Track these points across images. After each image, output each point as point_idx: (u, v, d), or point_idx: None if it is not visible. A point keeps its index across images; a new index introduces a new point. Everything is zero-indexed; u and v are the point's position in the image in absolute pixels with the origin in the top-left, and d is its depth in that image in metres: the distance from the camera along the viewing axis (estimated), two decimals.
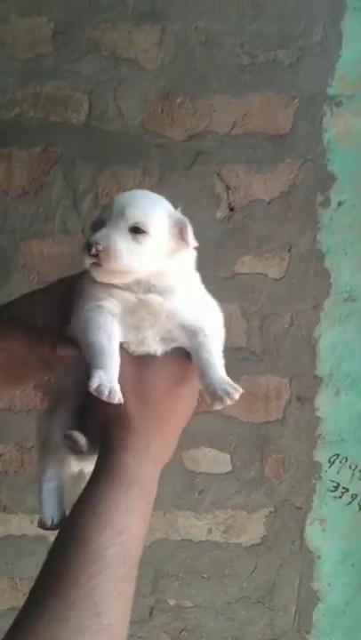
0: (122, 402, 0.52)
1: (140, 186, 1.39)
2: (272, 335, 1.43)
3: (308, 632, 1.49)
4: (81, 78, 1.37)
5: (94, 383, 0.51)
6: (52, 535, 0.54)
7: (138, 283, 0.56)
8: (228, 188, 1.40)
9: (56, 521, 0.62)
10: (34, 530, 1.39)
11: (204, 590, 1.48)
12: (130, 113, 1.38)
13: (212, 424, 1.43)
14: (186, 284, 0.58)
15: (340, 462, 1.45)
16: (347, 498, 1.46)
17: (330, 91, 1.38)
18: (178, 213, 0.60)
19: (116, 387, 0.52)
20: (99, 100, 1.37)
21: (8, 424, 1.41)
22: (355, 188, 1.40)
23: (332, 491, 1.46)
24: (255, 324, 1.43)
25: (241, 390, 0.54)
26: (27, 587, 1.35)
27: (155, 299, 0.56)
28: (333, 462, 1.45)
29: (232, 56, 1.37)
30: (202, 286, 0.63)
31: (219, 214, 1.40)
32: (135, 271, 0.55)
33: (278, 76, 1.38)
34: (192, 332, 0.56)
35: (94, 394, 0.51)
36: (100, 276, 0.55)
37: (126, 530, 0.51)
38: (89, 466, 0.58)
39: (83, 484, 0.55)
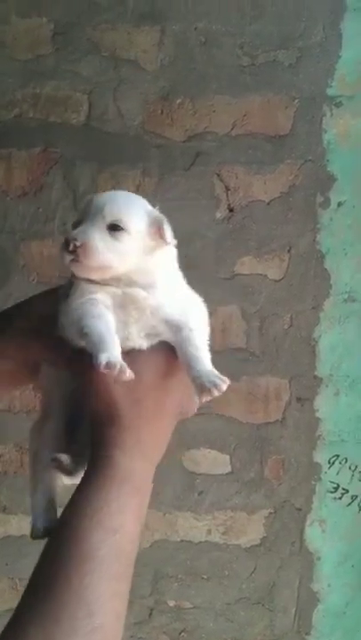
0: (132, 377, 0.51)
1: (140, 186, 1.39)
2: (272, 336, 1.43)
3: (307, 633, 1.49)
4: (81, 79, 1.37)
5: (103, 360, 0.50)
6: None
7: (117, 279, 0.57)
8: (227, 188, 1.40)
9: (48, 528, 0.61)
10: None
11: (204, 591, 1.48)
12: (130, 113, 1.38)
13: (211, 425, 1.43)
14: (167, 281, 0.59)
15: (340, 463, 1.45)
16: (347, 499, 1.46)
17: (330, 91, 1.39)
18: (156, 212, 0.61)
19: (125, 364, 0.51)
20: (98, 101, 1.37)
21: (8, 425, 1.41)
22: (354, 188, 1.40)
23: (331, 492, 1.46)
24: (255, 325, 1.42)
25: (228, 381, 0.54)
26: None
27: (139, 292, 0.57)
28: (333, 463, 1.45)
29: (232, 57, 1.37)
30: (184, 283, 0.64)
31: (218, 215, 1.40)
32: (113, 267, 0.56)
33: (278, 77, 1.38)
34: (176, 327, 0.57)
35: (104, 371, 0.50)
36: (78, 272, 0.56)
37: (119, 529, 0.51)
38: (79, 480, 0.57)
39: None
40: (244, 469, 1.45)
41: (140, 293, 0.57)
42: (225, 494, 1.46)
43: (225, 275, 1.41)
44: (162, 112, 1.38)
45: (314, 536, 1.47)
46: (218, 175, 1.39)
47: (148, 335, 0.57)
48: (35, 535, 0.61)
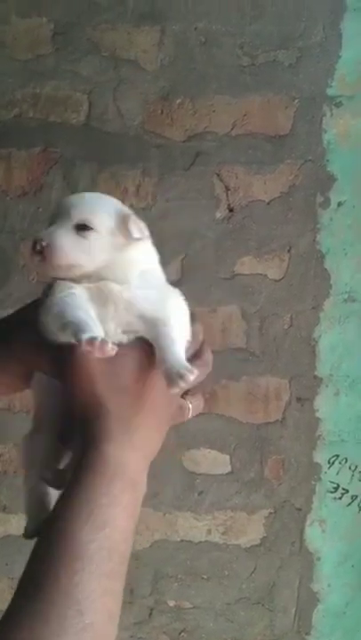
0: (115, 350, 0.51)
1: (139, 186, 1.39)
2: (272, 336, 1.43)
3: (307, 633, 1.49)
4: (81, 79, 1.37)
5: (84, 338, 0.50)
6: None
7: (87, 277, 0.57)
8: (227, 188, 1.40)
9: (40, 528, 0.61)
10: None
11: (204, 591, 1.48)
12: (129, 113, 1.38)
13: (211, 425, 1.43)
14: (142, 276, 0.59)
15: (340, 463, 1.45)
16: (347, 499, 1.46)
17: (330, 91, 1.39)
18: (125, 209, 0.61)
19: (106, 339, 0.51)
20: (98, 101, 1.37)
21: (7, 424, 1.41)
22: (354, 188, 1.40)
23: (331, 492, 1.46)
24: (255, 325, 1.42)
25: (196, 372, 0.53)
26: None
27: (113, 286, 0.57)
28: (333, 463, 1.45)
29: (232, 57, 1.37)
30: (163, 278, 0.63)
31: (218, 215, 1.40)
32: (81, 265, 0.57)
33: (278, 77, 1.38)
34: (152, 323, 0.57)
35: (87, 347, 0.50)
36: (46, 272, 0.57)
37: (110, 522, 0.49)
38: None
39: None
40: (244, 469, 1.45)
41: (115, 287, 0.57)
42: (225, 494, 1.46)
43: (225, 275, 1.41)
44: (162, 112, 1.38)
45: (314, 536, 1.47)
46: (218, 175, 1.39)
47: (125, 332, 0.57)
48: (27, 535, 0.60)
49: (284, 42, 1.37)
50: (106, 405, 0.53)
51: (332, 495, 1.46)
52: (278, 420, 1.44)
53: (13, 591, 0.47)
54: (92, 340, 0.50)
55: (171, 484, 1.44)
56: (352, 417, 1.45)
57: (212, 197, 1.40)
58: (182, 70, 1.37)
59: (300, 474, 1.45)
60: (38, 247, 0.56)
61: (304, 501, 1.46)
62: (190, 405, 0.59)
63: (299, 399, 1.44)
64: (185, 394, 0.60)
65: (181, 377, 0.52)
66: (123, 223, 0.58)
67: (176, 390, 0.53)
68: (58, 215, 0.58)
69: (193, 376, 0.52)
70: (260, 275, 1.41)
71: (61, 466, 0.60)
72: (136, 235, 0.58)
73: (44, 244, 0.56)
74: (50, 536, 0.49)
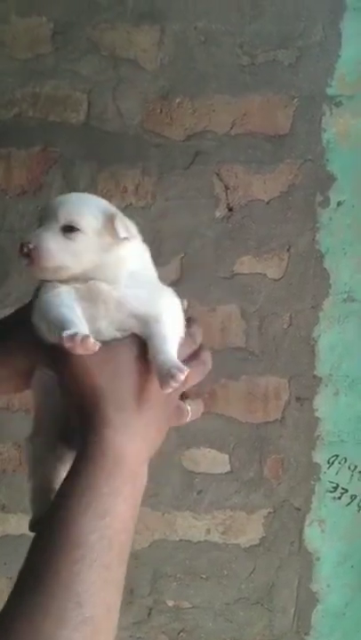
0: (98, 345, 0.51)
1: (139, 185, 1.39)
2: (271, 335, 1.43)
3: (306, 633, 1.48)
4: (80, 78, 1.37)
5: (65, 334, 0.51)
6: None
7: (75, 278, 0.58)
8: (227, 187, 1.40)
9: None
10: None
11: (203, 591, 1.48)
12: (129, 113, 1.38)
13: (210, 424, 1.43)
14: (132, 275, 0.59)
15: (340, 463, 1.45)
16: (346, 499, 1.46)
17: (329, 91, 1.39)
18: (112, 209, 0.61)
19: (88, 334, 0.51)
20: (98, 100, 1.37)
21: (6, 423, 1.41)
22: (354, 188, 1.40)
23: (331, 492, 1.46)
24: (254, 325, 1.42)
25: (186, 371, 0.53)
26: None
27: (103, 285, 0.57)
28: (333, 463, 1.45)
29: (231, 56, 1.37)
30: (155, 277, 0.63)
31: (218, 214, 1.40)
32: (68, 267, 0.57)
33: (278, 76, 1.38)
34: (144, 321, 0.57)
35: (68, 344, 0.50)
36: (35, 274, 0.58)
37: (111, 512, 0.49)
38: None
39: None
40: (244, 469, 1.45)
41: (104, 286, 0.57)
42: (224, 494, 1.45)
43: (224, 274, 1.41)
44: (161, 111, 1.38)
45: (313, 536, 1.47)
46: (217, 174, 1.39)
47: (119, 330, 0.57)
48: (31, 528, 0.60)
49: (284, 41, 1.37)
50: (103, 395, 0.53)
51: (332, 495, 1.46)
52: (278, 419, 1.44)
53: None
54: (72, 336, 0.51)
55: (170, 483, 1.44)
56: (351, 417, 1.44)
57: (212, 197, 1.40)
58: (182, 70, 1.37)
59: (299, 473, 1.45)
60: (25, 249, 0.56)
61: (303, 501, 1.46)
62: (189, 408, 0.59)
63: (298, 399, 1.44)
64: (183, 396, 0.61)
65: (172, 376, 0.52)
66: (109, 223, 0.58)
67: (168, 390, 0.52)
68: (45, 217, 0.59)
69: (183, 375, 0.52)
70: (260, 274, 1.41)
71: (65, 467, 0.60)
72: (123, 234, 0.58)
73: (30, 246, 0.56)
74: (50, 526, 0.49)
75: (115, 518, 0.49)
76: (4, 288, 1.39)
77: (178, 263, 1.40)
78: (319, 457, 1.45)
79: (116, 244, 0.59)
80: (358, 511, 1.46)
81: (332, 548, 1.47)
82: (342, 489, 1.45)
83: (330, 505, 1.46)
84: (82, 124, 1.38)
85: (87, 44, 1.36)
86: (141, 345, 0.56)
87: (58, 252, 0.56)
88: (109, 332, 0.57)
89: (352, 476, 1.45)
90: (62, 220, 0.57)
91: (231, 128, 1.39)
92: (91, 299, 0.57)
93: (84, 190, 1.36)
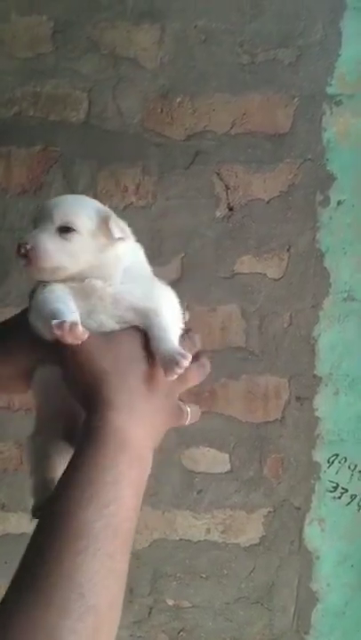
0: (87, 334, 0.52)
1: (139, 185, 1.39)
2: (271, 335, 1.43)
3: (306, 633, 1.48)
4: (80, 77, 1.37)
5: (54, 322, 0.52)
6: None
7: (72, 278, 0.59)
8: (227, 187, 1.40)
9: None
10: (33, 529, 1.39)
11: (203, 590, 1.48)
12: (129, 112, 1.38)
13: (210, 423, 1.43)
14: (127, 273, 0.61)
15: (340, 462, 1.45)
16: (346, 498, 1.46)
17: (329, 90, 1.39)
18: (106, 209, 0.62)
19: (77, 322, 0.53)
20: (98, 99, 1.37)
21: (7, 422, 1.41)
22: (354, 187, 1.40)
23: (331, 491, 1.46)
24: (254, 324, 1.42)
25: (189, 357, 0.54)
26: None
27: (97, 282, 0.59)
28: (333, 462, 1.45)
29: (231, 55, 1.37)
30: (151, 274, 0.64)
31: (218, 214, 1.40)
32: (66, 267, 0.58)
33: (278, 75, 1.38)
34: (143, 314, 0.58)
35: (57, 332, 0.51)
36: (32, 275, 0.59)
37: (115, 500, 0.48)
38: None
39: None
40: (244, 468, 1.45)
41: (98, 283, 0.59)
42: (224, 493, 1.45)
43: (224, 273, 1.41)
44: (161, 110, 1.38)
45: (313, 535, 1.47)
46: (217, 174, 1.39)
47: (118, 323, 0.58)
48: (34, 514, 0.60)
49: (284, 40, 1.37)
50: (106, 380, 0.54)
51: (332, 494, 1.46)
52: (278, 418, 1.44)
53: None
54: (60, 324, 0.52)
55: (170, 482, 1.44)
56: (351, 416, 1.44)
57: (212, 196, 1.40)
58: (182, 68, 1.37)
59: (299, 473, 1.45)
60: (23, 250, 0.57)
61: (303, 500, 1.46)
62: (189, 410, 0.60)
63: (298, 398, 1.44)
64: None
65: (177, 363, 0.53)
66: (104, 224, 0.59)
67: (173, 376, 0.54)
68: (40, 218, 0.60)
69: (187, 361, 0.54)
70: (260, 273, 1.41)
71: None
72: (117, 234, 0.59)
73: (28, 247, 0.57)
74: (53, 516, 0.48)
75: (119, 507, 0.48)
76: (4, 287, 1.39)
77: (178, 263, 1.40)
78: (319, 456, 1.45)
79: (111, 244, 0.60)
80: (358, 510, 1.46)
81: (331, 548, 1.47)
82: (342, 488, 1.45)
83: (330, 504, 1.46)
84: (82, 122, 1.38)
85: (87, 42, 1.36)
86: (144, 334, 0.57)
87: (55, 252, 0.57)
88: (110, 324, 0.58)
89: (352, 475, 1.45)
90: (58, 221, 0.58)
91: (231, 127, 1.38)
92: (86, 296, 0.58)
93: (83, 189, 1.37)
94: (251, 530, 1.47)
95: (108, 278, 0.59)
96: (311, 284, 1.42)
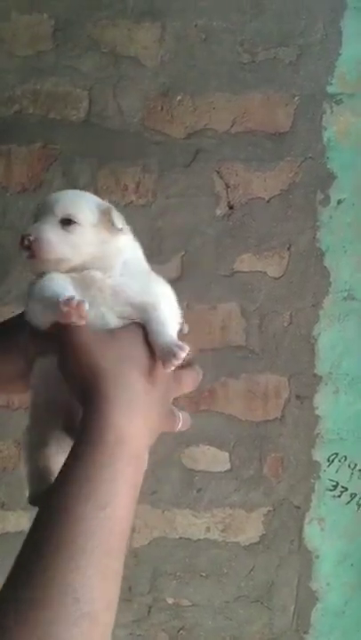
0: (87, 308, 0.53)
1: (139, 183, 1.39)
2: (271, 333, 1.43)
3: (306, 632, 1.48)
4: (81, 75, 1.37)
5: (63, 298, 0.53)
6: None
7: (73, 270, 0.60)
8: (227, 185, 1.40)
9: (40, 497, 0.61)
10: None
11: (203, 589, 1.48)
12: (129, 110, 1.38)
13: (210, 422, 1.43)
14: (126, 265, 0.62)
15: (340, 461, 1.45)
16: (346, 497, 1.46)
17: (330, 89, 1.39)
18: (105, 203, 0.63)
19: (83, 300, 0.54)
20: (98, 97, 1.37)
21: (6, 421, 1.41)
22: (354, 186, 1.40)
23: (330, 490, 1.46)
24: (254, 323, 1.42)
25: (187, 348, 0.55)
26: None
27: (97, 273, 0.59)
28: (332, 461, 1.45)
29: (232, 54, 1.37)
30: (146, 265, 0.65)
31: (218, 212, 1.40)
32: (69, 259, 0.59)
33: (278, 74, 1.38)
34: (141, 308, 0.59)
35: (65, 308, 0.52)
36: (36, 267, 0.60)
37: (112, 500, 0.47)
38: None
39: None
40: (244, 467, 1.45)
41: (98, 275, 0.59)
42: (224, 492, 1.45)
43: (225, 272, 1.41)
44: (162, 109, 1.38)
45: (313, 534, 1.47)
46: (218, 172, 1.39)
47: (120, 318, 0.59)
48: (31, 501, 0.60)
49: (285, 39, 1.37)
50: (104, 375, 0.53)
51: (332, 493, 1.46)
52: (278, 417, 1.44)
53: None
54: (68, 301, 0.52)
55: (169, 481, 1.44)
56: (351, 415, 1.44)
57: (212, 194, 1.40)
58: (182, 67, 1.37)
59: (299, 472, 1.45)
60: (26, 242, 0.57)
61: (303, 499, 1.46)
62: (181, 415, 0.60)
63: (298, 397, 1.44)
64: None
65: (175, 354, 0.54)
66: (104, 216, 0.61)
67: (171, 367, 0.54)
68: (42, 212, 0.60)
69: (184, 353, 0.54)
70: (260, 272, 1.41)
71: (64, 454, 0.60)
72: (120, 226, 0.61)
73: (31, 238, 0.57)
74: (46, 516, 0.47)
75: (116, 507, 0.48)
76: (4, 285, 1.39)
77: (178, 261, 1.40)
78: (319, 455, 1.45)
79: (112, 235, 0.61)
80: (358, 509, 1.46)
81: (331, 547, 1.47)
82: (342, 487, 1.45)
83: (329, 503, 1.46)
84: (82, 121, 1.38)
85: (88, 41, 1.36)
86: (143, 331, 0.58)
87: (58, 244, 0.58)
88: (110, 317, 0.58)
89: (352, 474, 1.45)
90: (60, 214, 0.59)
91: (232, 126, 1.38)
92: (86, 287, 0.59)
93: (83, 187, 1.36)
94: (250, 529, 1.46)
95: (107, 270, 0.60)
96: (311, 283, 1.42)
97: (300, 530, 1.47)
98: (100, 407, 0.52)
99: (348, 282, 1.42)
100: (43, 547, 0.45)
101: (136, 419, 0.53)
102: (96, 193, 0.65)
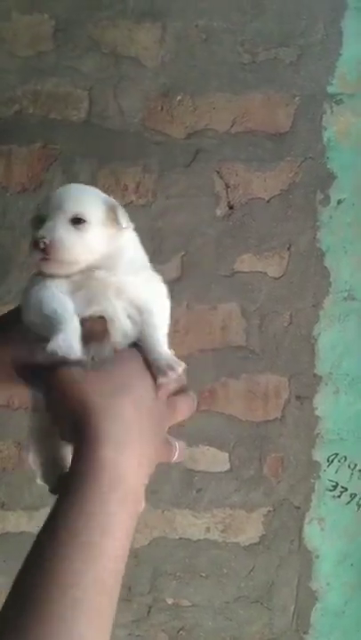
0: (78, 357, 0.52)
1: (140, 183, 1.39)
2: (271, 334, 1.43)
3: (306, 632, 1.48)
4: (81, 75, 1.37)
5: (51, 346, 0.52)
6: None
7: (81, 270, 0.59)
8: (227, 186, 1.40)
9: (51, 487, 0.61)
10: (32, 527, 1.39)
11: (203, 589, 1.48)
12: (130, 110, 1.38)
13: (210, 422, 1.42)
14: (129, 262, 0.61)
15: (339, 461, 1.45)
16: (345, 497, 1.46)
17: (330, 89, 1.39)
18: (111, 199, 0.62)
19: (76, 345, 0.52)
20: (99, 98, 1.37)
21: (6, 421, 1.41)
22: (354, 186, 1.40)
23: (330, 490, 1.46)
24: (255, 323, 1.42)
25: (183, 365, 0.55)
26: None
27: (99, 272, 0.59)
28: (332, 461, 1.45)
29: (232, 54, 1.37)
30: (148, 263, 0.65)
31: (218, 212, 1.40)
32: (82, 260, 0.58)
33: (279, 75, 1.38)
34: (140, 310, 0.59)
35: (52, 354, 0.52)
36: (49, 269, 0.58)
37: (106, 551, 0.44)
38: None
39: None
40: (243, 467, 1.45)
41: (101, 273, 0.59)
42: (224, 492, 1.45)
43: (225, 272, 1.41)
44: (162, 109, 1.38)
45: (313, 534, 1.47)
46: (218, 172, 1.39)
47: (128, 318, 0.58)
48: (52, 491, 0.60)
49: (285, 39, 1.37)
50: (96, 409, 0.50)
51: (331, 493, 1.46)
52: (278, 417, 1.44)
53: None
54: (55, 348, 0.52)
55: (169, 481, 1.44)
56: (351, 415, 1.44)
57: (213, 195, 1.40)
58: (183, 67, 1.37)
59: (299, 472, 1.45)
60: (42, 245, 0.56)
61: (303, 499, 1.46)
62: (177, 445, 0.58)
63: (298, 397, 1.44)
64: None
65: (171, 368, 0.54)
66: (111, 213, 0.60)
67: (165, 380, 0.54)
68: (50, 210, 0.59)
69: (181, 368, 0.54)
70: (260, 272, 1.41)
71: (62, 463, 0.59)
72: (125, 223, 0.60)
73: (46, 241, 0.56)
74: (36, 569, 0.45)
75: (109, 557, 0.45)
76: (5, 285, 1.39)
77: (178, 261, 1.40)
78: (319, 455, 1.45)
79: (117, 233, 0.60)
80: (358, 509, 1.46)
81: (331, 547, 1.47)
82: (342, 487, 1.45)
83: (329, 503, 1.46)
84: (83, 121, 1.38)
85: (88, 41, 1.36)
86: (138, 357, 0.56)
87: (74, 245, 0.57)
88: (124, 317, 0.58)
89: (352, 474, 1.45)
90: (69, 213, 0.58)
91: (232, 126, 1.38)
92: (90, 286, 0.58)
93: None
94: (250, 529, 1.46)
95: (112, 267, 0.59)
96: (312, 283, 1.42)
97: (300, 530, 1.47)
98: (93, 444, 0.49)
99: (348, 282, 1.42)
100: (33, 590, 0.44)
101: (132, 454, 0.50)
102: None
